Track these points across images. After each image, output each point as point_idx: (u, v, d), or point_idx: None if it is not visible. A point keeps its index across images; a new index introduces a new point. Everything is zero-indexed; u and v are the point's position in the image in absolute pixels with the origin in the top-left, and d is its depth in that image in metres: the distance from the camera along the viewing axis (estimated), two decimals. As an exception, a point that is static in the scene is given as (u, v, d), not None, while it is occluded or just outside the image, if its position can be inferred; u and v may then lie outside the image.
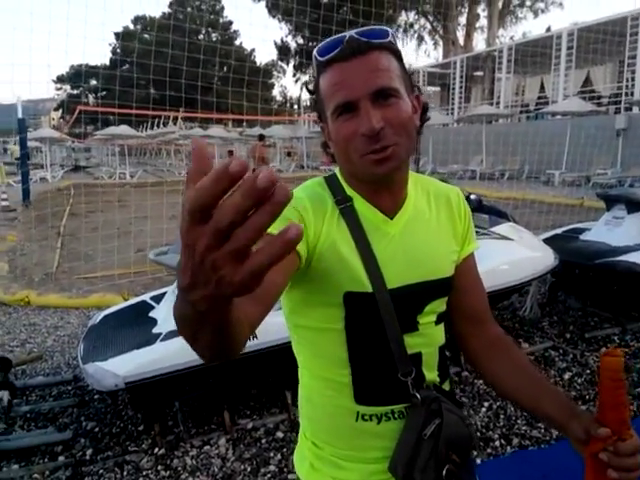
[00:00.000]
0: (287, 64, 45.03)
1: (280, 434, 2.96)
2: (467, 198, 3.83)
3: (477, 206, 4.40)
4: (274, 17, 37.47)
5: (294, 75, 44.20)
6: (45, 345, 4.49)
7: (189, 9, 45.04)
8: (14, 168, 20.60)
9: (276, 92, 50.02)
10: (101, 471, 2.68)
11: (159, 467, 2.71)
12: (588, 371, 3.59)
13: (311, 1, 12.74)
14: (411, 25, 37.74)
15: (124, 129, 21.94)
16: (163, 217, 7.24)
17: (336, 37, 0.92)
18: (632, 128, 16.33)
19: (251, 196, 0.37)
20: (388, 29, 0.93)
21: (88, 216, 9.68)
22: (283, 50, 42.18)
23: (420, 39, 38.43)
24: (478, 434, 2.92)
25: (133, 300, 3.88)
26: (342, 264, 0.93)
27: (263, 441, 2.92)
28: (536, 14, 35.85)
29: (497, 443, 2.84)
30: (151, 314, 3.32)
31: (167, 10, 38.42)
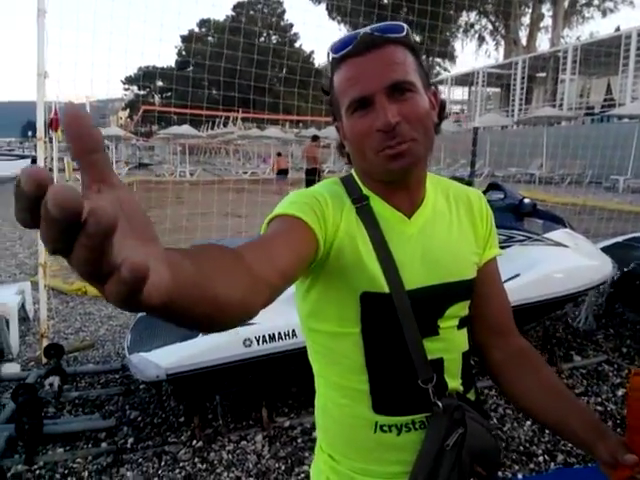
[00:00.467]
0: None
1: (316, 435, 2.94)
2: (520, 202, 3.68)
3: (530, 211, 4.24)
4: (334, 19, 37.67)
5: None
6: (98, 334, 4.66)
7: (251, 12, 45.99)
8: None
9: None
10: (140, 460, 2.75)
11: (196, 459, 2.75)
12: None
13: (371, 2, 12.69)
14: (472, 25, 37.02)
15: (186, 129, 22.60)
16: (214, 214, 7.39)
17: (350, 34, 0.90)
18: None
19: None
20: (403, 24, 0.89)
21: (148, 211, 9.99)
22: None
23: (481, 39, 37.65)
24: (521, 448, 2.81)
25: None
26: (359, 263, 0.90)
27: (299, 440, 2.91)
28: (604, 13, 34.37)
29: (540, 459, 2.72)
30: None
31: (231, 13, 39.44)
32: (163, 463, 2.73)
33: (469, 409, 0.94)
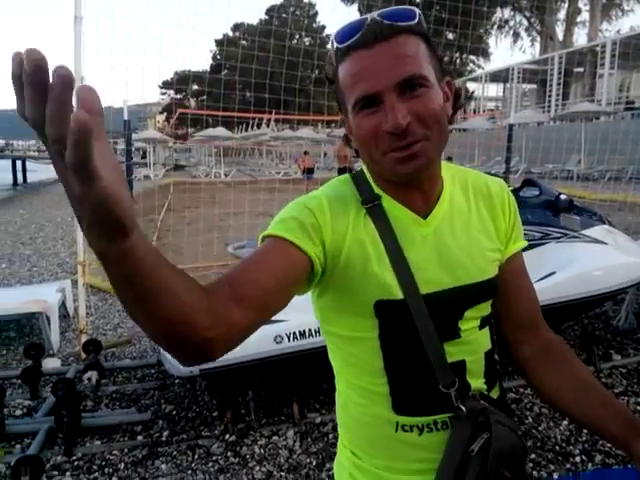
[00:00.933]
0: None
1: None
2: (556, 198, 3.58)
3: (567, 207, 4.13)
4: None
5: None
6: (135, 330, 4.76)
7: (284, 15, 46.28)
8: (122, 166, 22.18)
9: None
10: (174, 452, 2.81)
11: (229, 454, 2.79)
12: (689, 389, 3.27)
13: (402, 1, 12.61)
14: (506, 21, 36.39)
15: (220, 131, 22.94)
16: (246, 213, 7.47)
17: (357, 20, 0.81)
18: None
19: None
20: (415, 9, 0.80)
21: (183, 211, 10.22)
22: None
23: (516, 36, 36.97)
24: (557, 448, 2.75)
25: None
26: (370, 270, 0.85)
27: (330, 436, 2.92)
28: (646, 6, 33.30)
29: (577, 459, 2.66)
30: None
31: (264, 17, 39.80)
32: (196, 456, 2.77)
33: (494, 410, 0.89)
